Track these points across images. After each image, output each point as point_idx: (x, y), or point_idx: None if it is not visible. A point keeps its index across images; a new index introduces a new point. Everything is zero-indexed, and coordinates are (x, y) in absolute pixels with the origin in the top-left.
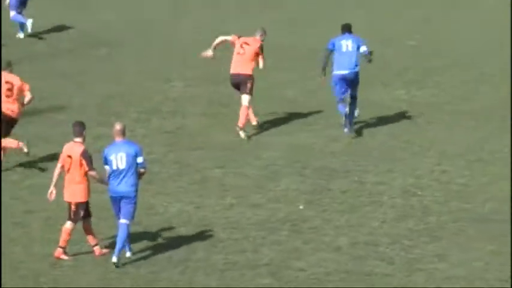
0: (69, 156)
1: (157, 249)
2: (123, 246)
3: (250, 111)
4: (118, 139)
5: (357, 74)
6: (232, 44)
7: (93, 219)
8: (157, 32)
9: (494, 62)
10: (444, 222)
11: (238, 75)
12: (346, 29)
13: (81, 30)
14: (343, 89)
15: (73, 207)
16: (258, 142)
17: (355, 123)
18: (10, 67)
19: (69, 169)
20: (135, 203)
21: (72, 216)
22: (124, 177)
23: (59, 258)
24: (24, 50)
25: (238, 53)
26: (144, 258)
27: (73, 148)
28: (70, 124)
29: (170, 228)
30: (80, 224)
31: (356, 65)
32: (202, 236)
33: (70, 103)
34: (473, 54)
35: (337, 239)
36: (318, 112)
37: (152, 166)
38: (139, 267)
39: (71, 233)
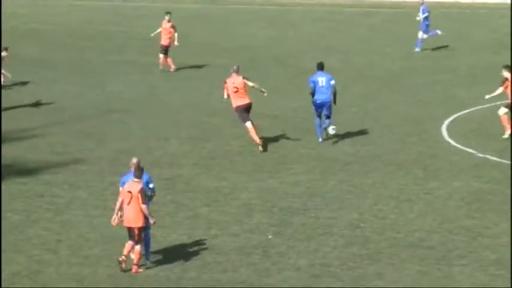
0: (130, 192)
1: (157, 270)
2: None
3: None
4: (133, 169)
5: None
6: (227, 88)
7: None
8: (157, 100)
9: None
10: (381, 248)
11: (249, 103)
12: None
13: (99, 100)
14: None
15: (136, 231)
16: (235, 187)
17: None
18: None
19: (129, 202)
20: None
21: (136, 238)
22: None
23: (137, 273)
24: (56, 114)
25: (236, 91)
26: (146, 276)
27: (133, 186)
28: (90, 173)
29: (167, 253)
30: (95, 248)
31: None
32: (193, 259)
33: (90, 156)
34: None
35: (298, 261)
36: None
37: (153, 206)
38: (142, 283)
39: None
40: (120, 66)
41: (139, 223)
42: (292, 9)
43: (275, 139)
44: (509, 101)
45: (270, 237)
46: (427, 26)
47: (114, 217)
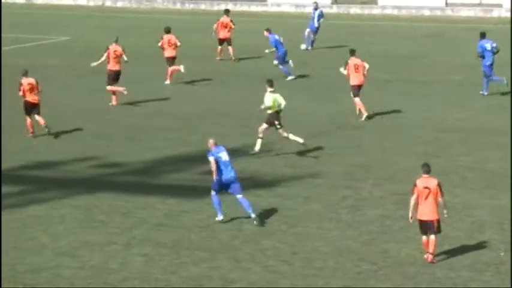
0: (427, 187)
1: (388, 284)
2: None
3: None
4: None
5: None
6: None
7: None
8: (392, 117)
9: None
10: None
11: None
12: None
13: (333, 115)
14: None
15: (436, 223)
16: (467, 203)
17: None
18: None
19: (426, 197)
20: None
21: (436, 230)
22: None
23: (432, 262)
24: (292, 130)
25: None
26: None
27: (428, 181)
28: (324, 186)
29: (400, 268)
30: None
31: None
32: (423, 273)
33: (324, 170)
34: None
35: None
36: None
37: (384, 220)
38: None
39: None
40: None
41: (437, 215)
42: None
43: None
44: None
45: (501, 254)
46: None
47: (410, 214)
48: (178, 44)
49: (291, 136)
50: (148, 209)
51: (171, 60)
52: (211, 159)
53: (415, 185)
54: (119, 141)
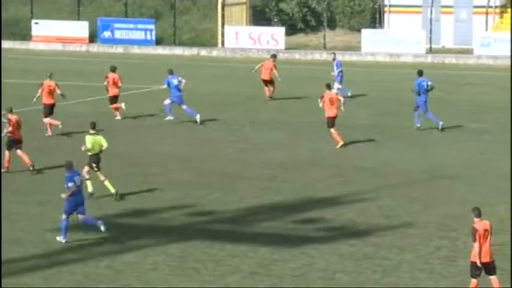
0: (486, 230)
1: None
2: None
3: None
4: None
5: None
6: None
7: None
8: (486, 166)
9: None
10: None
11: None
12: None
13: (426, 165)
14: None
15: (493, 264)
16: None
17: None
18: None
19: (486, 238)
20: None
21: (494, 270)
22: None
23: None
24: (384, 178)
25: None
26: None
27: (485, 224)
28: (417, 236)
29: None
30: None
31: None
32: None
33: (417, 220)
34: None
35: None
36: None
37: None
38: None
39: None
40: (450, 133)
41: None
42: None
43: None
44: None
45: None
46: (341, 77)
47: (480, 260)
48: (120, 84)
49: (106, 182)
50: (241, 257)
51: (114, 99)
52: (70, 184)
53: (476, 231)
54: (214, 190)
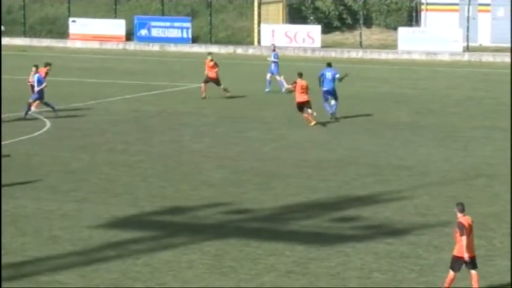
0: (470, 225)
1: None
2: None
3: None
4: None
5: None
6: None
7: None
8: None
9: None
10: None
11: None
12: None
13: (465, 164)
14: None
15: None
16: None
17: None
18: None
19: (469, 234)
20: None
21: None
22: None
23: None
24: (422, 177)
25: None
26: None
27: (468, 219)
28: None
29: None
30: None
31: None
32: None
33: (455, 219)
34: None
35: None
36: None
37: None
38: None
39: None
40: (488, 132)
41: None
42: None
43: None
44: None
45: None
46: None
47: (468, 255)
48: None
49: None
50: (277, 255)
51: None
52: None
53: (463, 225)
54: (251, 188)
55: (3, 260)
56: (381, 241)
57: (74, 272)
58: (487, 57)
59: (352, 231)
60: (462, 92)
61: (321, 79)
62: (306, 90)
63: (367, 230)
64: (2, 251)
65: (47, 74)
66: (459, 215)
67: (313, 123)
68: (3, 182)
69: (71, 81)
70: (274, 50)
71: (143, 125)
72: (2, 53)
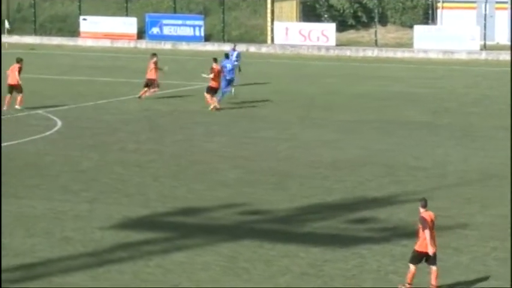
0: (432, 220)
1: None
2: None
3: None
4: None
5: None
6: None
7: None
8: None
9: None
10: None
11: None
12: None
13: (483, 165)
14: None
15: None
16: None
17: None
18: None
19: (431, 228)
20: None
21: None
22: None
23: None
24: (439, 178)
25: None
26: None
27: (430, 214)
28: (472, 237)
29: None
30: None
31: None
32: None
33: (472, 221)
34: None
35: None
36: None
37: None
38: None
39: None
40: (506, 132)
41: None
42: None
43: None
44: None
45: None
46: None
47: (432, 249)
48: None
49: None
50: (292, 257)
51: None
52: None
53: (425, 220)
54: (266, 188)
55: (15, 262)
56: (397, 243)
57: (86, 274)
58: (505, 56)
59: (368, 233)
60: (479, 91)
61: (224, 70)
62: (218, 74)
63: (383, 232)
64: (13, 252)
65: (20, 70)
66: (422, 210)
67: (212, 106)
68: (14, 182)
69: (81, 80)
70: (234, 50)
71: (155, 124)
72: (11, 51)
